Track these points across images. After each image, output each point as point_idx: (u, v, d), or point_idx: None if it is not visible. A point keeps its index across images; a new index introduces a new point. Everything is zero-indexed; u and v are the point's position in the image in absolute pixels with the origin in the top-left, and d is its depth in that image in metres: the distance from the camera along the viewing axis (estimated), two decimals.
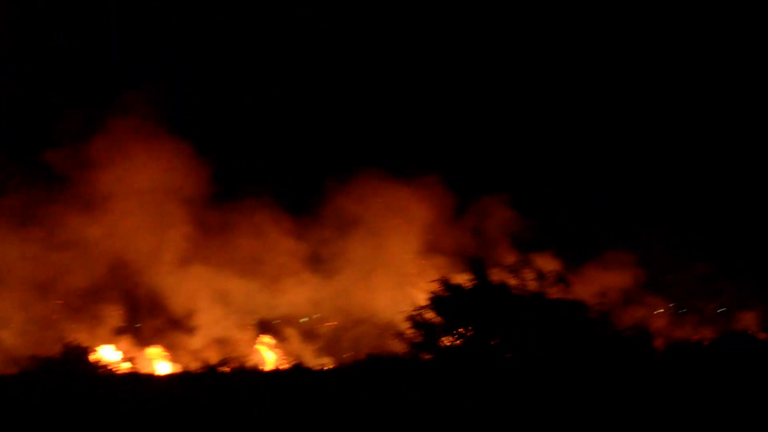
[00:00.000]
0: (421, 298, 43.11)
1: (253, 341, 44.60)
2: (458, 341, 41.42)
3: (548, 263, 44.91)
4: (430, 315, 42.08)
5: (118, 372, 42.24)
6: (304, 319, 45.29)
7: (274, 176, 48.25)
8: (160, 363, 43.84)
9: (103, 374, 41.68)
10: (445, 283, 42.48)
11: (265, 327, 45.16)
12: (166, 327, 44.33)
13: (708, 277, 49.88)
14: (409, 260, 46.11)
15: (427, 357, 41.14)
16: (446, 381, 36.07)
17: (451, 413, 31.44)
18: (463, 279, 42.92)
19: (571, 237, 49.23)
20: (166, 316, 44.37)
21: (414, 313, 42.21)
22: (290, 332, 45.10)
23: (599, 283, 46.67)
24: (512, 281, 42.82)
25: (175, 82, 51.19)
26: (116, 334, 44.09)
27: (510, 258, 45.23)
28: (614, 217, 51.16)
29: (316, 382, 37.98)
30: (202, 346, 43.79)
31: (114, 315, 44.32)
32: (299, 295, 45.12)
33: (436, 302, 42.20)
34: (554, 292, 43.05)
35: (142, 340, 44.39)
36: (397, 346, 42.19)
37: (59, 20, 51.04)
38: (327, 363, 44.15)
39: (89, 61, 51.02)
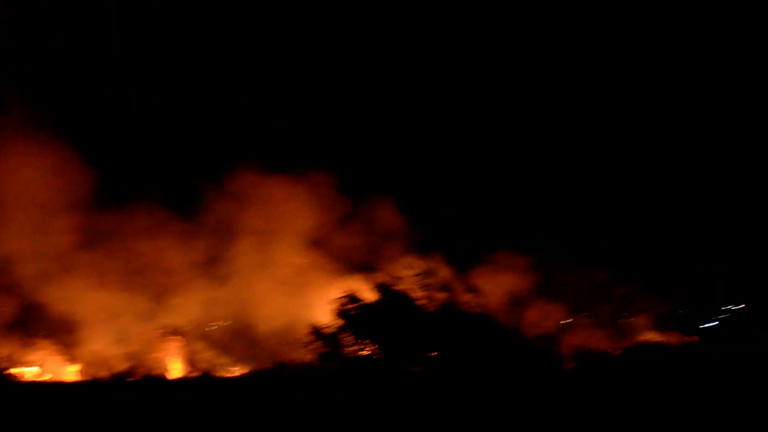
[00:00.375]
0: (321, 304, 42.69)
1: (161, 349, 44.16)
2: (361, 349, 41.23)
3: (442, 267, 44.40)
4: (333, 322, 41.78)
5: (22, 379, 42.00)
6: (212, 327, 44.55)
7: (162, 179, 47.57)
8: (65, 370, 43.24)
9: (7, 381, 41.41)
10: (348, 293, 42.14)
11: (172, 334, 44.31)
12: (67, 334, 43.57)
13: (603, 282, 49.48)
14: (306, 265, 45.23)
15: (333, 365, 40.83)
16: (354, 388, 35.93)
17: (361, 419, 31.31)
18: (361, 286, 42.54)
19: (465, 241, 48.77)
20: (65, 324, 43.47)
21: (317, 321, 41.96)
22: (197, 340, 44.45)
23: (496, 288, 45.98)
24: (410, 286, 42.45)
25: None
26: (19, 343, 43.54)
27: (404, 262, 44.68)
28: (509, 222, 50.81)
29: (225, 390, 37.75)
30: (107, 354, 43.16)
31: (11, 321, 43.57)
32: (202, 302, 44.31)
33: (338, 310, 41.89)
34: (448, 297, 42.69)
35: (44, 348, 43.64)
36: (303, 354, 41.91)
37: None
38: (235, 370, 43.65)
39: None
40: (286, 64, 52.60)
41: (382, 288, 42.44)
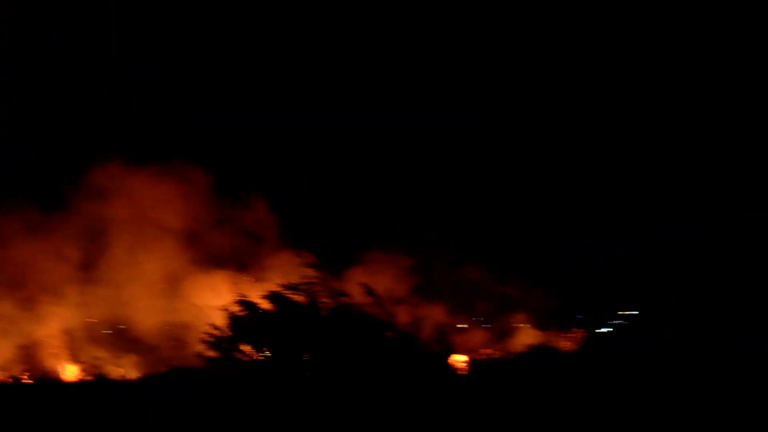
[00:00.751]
0: (209, 307, 42.23)
1: (51, 352, 43.35)
2: (250, 353, 40.82)
3: (327, 269, 43.70)
4: (222, 325, 41.36)
5: None
6: (101, 330, 44.04)
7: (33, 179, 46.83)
8: None
9: None
10: (236, 295, 41.66)
11: (65, 337, 43.50)
12: None
13: (480, 280, 48.81)
14: (190, 266, 44.51)
15: (223, 369, 40.39)
16: (245, 392, 35.66)
17: (255, 424, 31.13)
18: (249, 289, 41.97)
19: (341, 242, 48.29)
20: None
21: (206, 324, 41.50)
22: (87, 343, 43.55)
23: (381, 290, 45.03)
24: (297, 289, 41.81)
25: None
26: None
27: (289, 263, 43.99)
28: (385, 221, 50.29)
29: (120, 394, 37.43)
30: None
31: None
32: (87, 304, 43.36)
33: (227, 313, 41.43)
34: (336, 300, 41.96)
35: None
36: (194, 358, 41.52)
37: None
38: (129, 374, 43.08)
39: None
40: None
41: (270, 292, 41.85)
